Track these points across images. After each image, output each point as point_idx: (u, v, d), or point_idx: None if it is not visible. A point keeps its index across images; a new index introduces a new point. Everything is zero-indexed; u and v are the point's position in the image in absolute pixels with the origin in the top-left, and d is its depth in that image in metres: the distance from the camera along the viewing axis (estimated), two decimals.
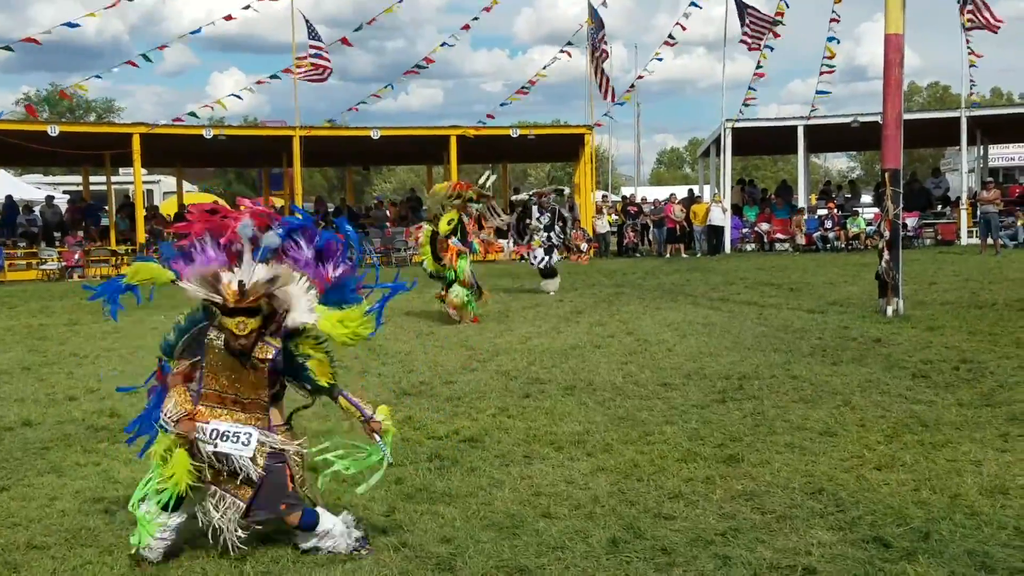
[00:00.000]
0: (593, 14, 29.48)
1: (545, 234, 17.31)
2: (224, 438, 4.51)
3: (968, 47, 28.64)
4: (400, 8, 28.61)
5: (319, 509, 4.70)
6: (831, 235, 28.34)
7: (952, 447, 6.15)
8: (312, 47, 27.33)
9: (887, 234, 12.66)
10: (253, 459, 4.54)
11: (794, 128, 30.18)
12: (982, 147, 33.60)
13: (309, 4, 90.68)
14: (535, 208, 17.89)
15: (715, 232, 28.72)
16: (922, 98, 72.11)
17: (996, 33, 27.95)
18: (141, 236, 27.05)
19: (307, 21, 27.56)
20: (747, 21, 28.64)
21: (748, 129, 30.35)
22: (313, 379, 4.64)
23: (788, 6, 29.22)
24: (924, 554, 4.40)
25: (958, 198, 29.60)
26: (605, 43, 29.76)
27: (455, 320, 13.36)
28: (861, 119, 28.48)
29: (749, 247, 30.13)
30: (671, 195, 31.73)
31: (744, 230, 30.53)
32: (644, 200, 33.63)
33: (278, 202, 36.64)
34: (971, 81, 29.64)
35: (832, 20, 28.77)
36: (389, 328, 12.62)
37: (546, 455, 6.30)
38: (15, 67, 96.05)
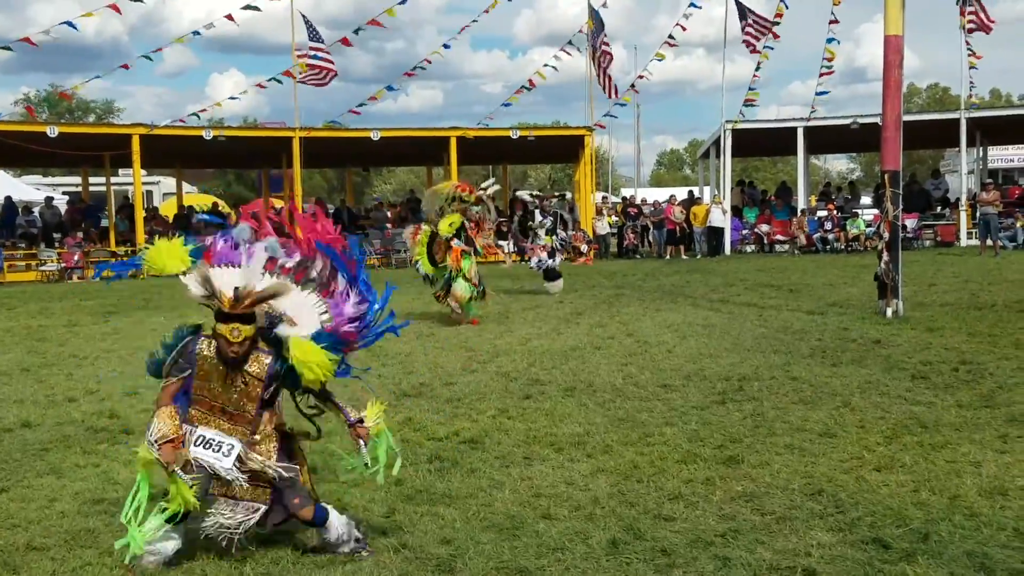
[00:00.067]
0: (594, 15, 29.48)
1: (547, 237, 17.31)
2: (207, 445, 4.50)
3: (968, 48, 28.66)
4: (400, 9, 28.49)
5: (327, 505, 4.71)
6: (831, 236, 28.35)
7: (951, 448, 6.15)
8: (313, 48, 27.26)
9: (886, 235, 12.67)
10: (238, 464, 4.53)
11: (794, 129, 30.19)
12: (981, 148, 33.61)
13: (309, 4, 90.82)
14: (537, 212, 17.91)
15: (715, 233, 28.73)
16: (921, 99, 72.15)
17: (989, 33, 28.00)
18: (141, 237, 27.02)
19: (307, 22, 27.52)
20: (749, 20, 28.66)
21: (748, 130, 30.35)
22: (303, 382, 4.58)
23: (787, 7, 29.28)
24: (923, 555, 4.40)
25: (957, 199, 29.61)
26: (607, 44, 29.75)
27: (456, 314, 13.33)
28: (861, 120, 28.49)
29: (749, 248, 30.13)
30: (671, 196, 31.73)
31: (744, 231, 30.53)
32: (644, 201, 33.63)
33: (278, 203, 36.75)
34: (971, 83, 29.66)
35: (832, 22, 28.83)
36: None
37: (546, 456, 6.30)
38: (14, 68, 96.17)
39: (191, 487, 4.43)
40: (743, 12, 28.80)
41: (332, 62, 27.67)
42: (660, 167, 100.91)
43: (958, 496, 5.20)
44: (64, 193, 36.51)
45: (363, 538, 4.70)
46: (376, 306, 4.71)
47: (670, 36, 30.43)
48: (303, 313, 4.56)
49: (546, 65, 31.16)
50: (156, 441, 4.45)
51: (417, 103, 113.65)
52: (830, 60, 29.13)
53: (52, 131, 25.78)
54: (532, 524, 4.98)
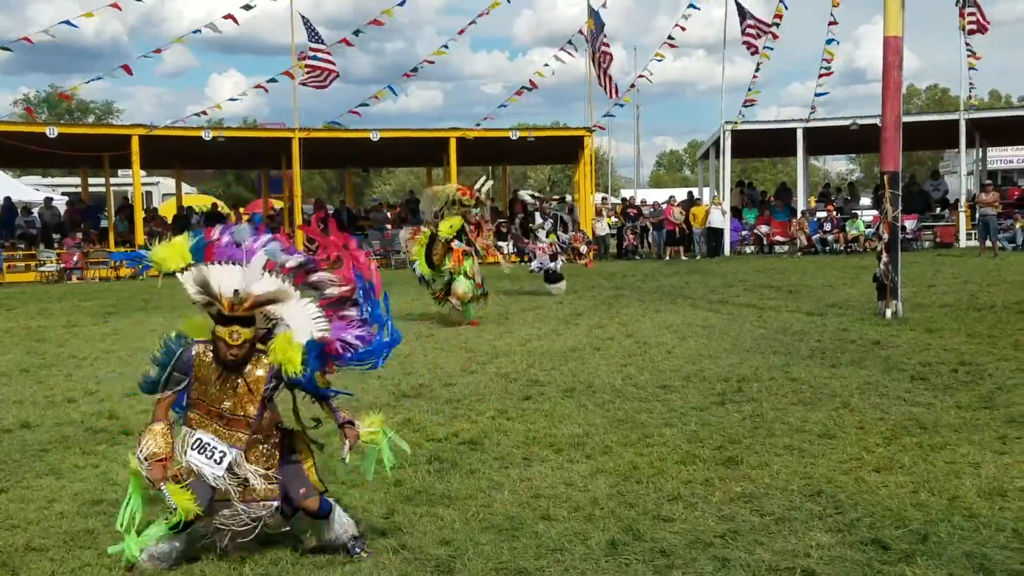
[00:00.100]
0: (595, 16, 29.46)
1: (548, 242, 17.29)
2: (203, 450, 4.49)
3: (968, 49, 28.67)
4: (400, 10, 28.49)
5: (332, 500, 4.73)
6: (830, 238, 28.36)
7: (951, 449, 6.15)
8: (313, 49, 27.19)
9: (886, 236, 12.67)
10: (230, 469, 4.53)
11: (793, 130, 30.21)
12: (981, 150, 33.62)
13: (309, 5, 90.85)
14: (537, 213, 17.91)
15: (714, 234, 28.74)
16: (921, 100, 72.20)
17: (985, 33, 28.04)
18: (140, 238, 27.02)
19: (307, 23, 27.45)
20: (749, 21, 28.67)
21: (747, 131, 30.37)
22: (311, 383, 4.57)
23: (786, 7, 29.30)
24: (922, 556, 4.40)
25: (957, 200, 29.64)
26: (607, 45, 29.76)
27: (457, 311, 13.30)
28: (860, 121, 28.51)
29: (748, 249, 30.15)
30: (670, 197, 31.75)
31: (743, 232, 30.55)
32: (643, 202, 33.67)
33: (277, 204, 36.73)
34: (970, 84, 29.68)
35: (831, 23, 28.85)
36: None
37: (545, 457, 6.30)
38: (14, 68, 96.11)
39: (191, 494, 4.43)
40: (743, 13, 28.82)
41: (333, 63, 27.60)
42: (660, 168, 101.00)
43: (957, 497, 5.20)
44: (63, 194, 36.50)
45: (361, 536, 4.70)
46: (380, 351, 4.67)
47: (669, 37, 30.46)
48: (300, 321, 4.55)
49: (546, 65, 31.19)
50: (145, 459, 4.45)
51: (417, 104, 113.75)
52: (829, 61, 29.17)
53: (51, 132, 25.79)
54: (531, 525, 4.98)
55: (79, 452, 6.76)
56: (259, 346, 4.56)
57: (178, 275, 4.59)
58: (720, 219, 28.70)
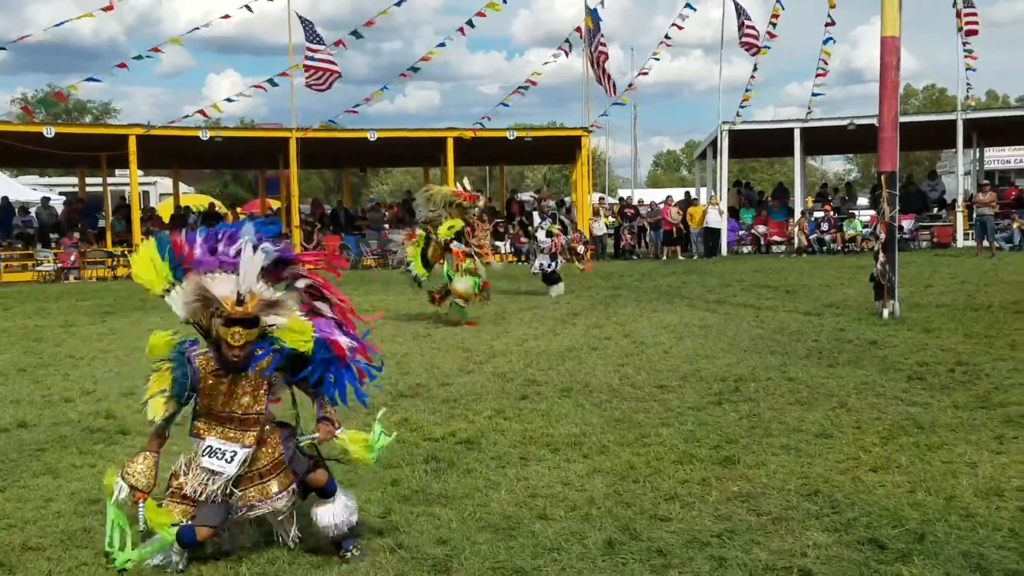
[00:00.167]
0: (592, 15, 29.46)
1: (548, 240, 17.26)
2: (212, 455, 4.49)
3: (965, 49, 28.71)
4: (397, 10, 28.46)
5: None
6: (827, 237, 28.38)
7: (947, 449, 6.16)
8: (311, 50, 27.08)
9: (883, 236, 12.68)
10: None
11: (790, 130, 30.21)
12: (978, 150, 33.66)
13: (307, 5, 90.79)
14: (535, 213, 17.89)
15: (712, 234, 28.75)
16: (918, 100, 72.28)
17: (977, 35, 28.17)
18: (137, 238, 27.01)
19: (306, 23, 27.34)
20: (746, 22, 28.70)
21: (745, 132, 30.39)
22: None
23: (783, 7, 29.33)
24: (919, 556, 4.40)
25: (954, 201, 29.68)
26: (604, 44, 29.77)
27: (459, 307, 13.24)
28: (857, 121, 28.53)
29: (745, 249, 30.17)
30: (668, 197, 31.77)
31: (741, 232, 30.57)
32: (641, 202, 33.67)
33: (275, 204, 36.71)
34: (967, 84, 29.72)
35: (827, 24, 28.88)
36: (386, 330, 12.63)
37: (542, 457, 6.30)
38: (12, 68, 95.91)
39: (169, 513, 4.48)
40: (741, 13, 28.82)
41: (334, 63, 27.48)
42: (657, 168, 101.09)
43: (954, 497, 5.21)
44: (61, 194, 36.47)
45: (357, 535, 4.68)
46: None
47: (666, 36, 30.46)
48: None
49: (545, 63, 31.22)
50: (128, 484, 4.44)
51: (414, 104, 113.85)
52: (826, 62, 29.23)
53: (49, 131, 25.77)
54: (528, 524, 4.98)
55: (76, 451, 6.76)
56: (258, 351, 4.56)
57: (166, 299, 4.55)
58: (717, 219, 28.71)
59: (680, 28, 30.03)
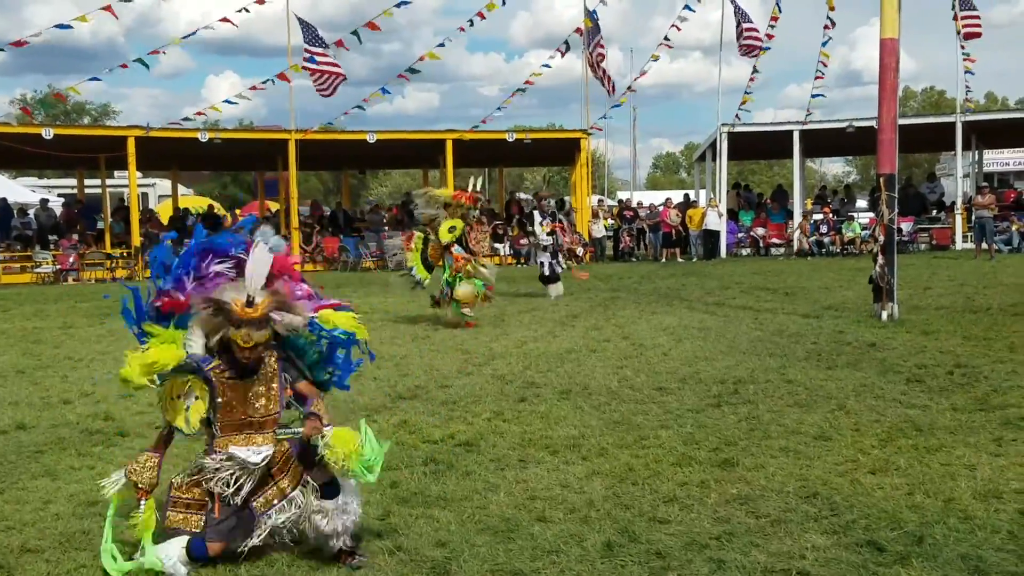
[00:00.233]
0: (591, 15, 29.48)
1: (550, 239, 17.25)
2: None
3: (963, 52, 28.75)
4: (396, 12, 28.43)
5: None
6: (826, 240, 28.39)
7: (946, 451, 6.16)
8: (315, 53, 26.97)
9: (882, 239, 12.68)
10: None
11: (790, 133, 30.22)
12: (977, 152, 33.68)
13: (306, 6, 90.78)
14: (536, 213, 17.86)
15: (711, 236, 28.75)
16: (917, 103, 72.31)
17: (980, 36, 28.21)
18: (136, 239, 27.03)
19: (306, 26, 27.27)
20: (746, 25, 28.72)
21: (744, 134, 30.41)
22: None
23: (781, 11, 29.36)
24: (918, 558, 4.40)
25: (953, 203, 29.69)
26: (602, 45, 29.81)
27: (470, 316, 13.19)
28: (856, 124, 28.55)
29: (745, 252, 30.19)
30: (667, 199, 31.79)
31: (740, 235, 30.59)
32: (640, 204, 33.68)
33: (274, 206, 36.71)
34: (966, 86, 29.74)
35: (826, 27, 28.92)
36: (385, 332, 12.63)
37: (541, 459, 6.30)
38: (12, 70, 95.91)
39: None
40: (741, 15, 28.84)
41: (338, 65, 27.38)
42: (656, 170, 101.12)
43: (953, 499, 5.21)
44: (59, 195, 36.48)
45: (358, 539, 4.68)
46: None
47: (665, 38, 30.50)
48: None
49: (544, 65, 31.21)
50: (131, 482, 4.46)
51: (413, 105, 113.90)
52: (826, 65, 29.29)
53: (47, 133, 25.78)
54: (527, 527, 4.98)
55: (75, 453, 6.75)
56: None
57: (187, 349, 4.50)
58: (716, 221, 28.72)
59: (679, 29, 30.11)
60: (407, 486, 5.72)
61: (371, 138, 28.60)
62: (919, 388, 8.15)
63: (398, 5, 28.07)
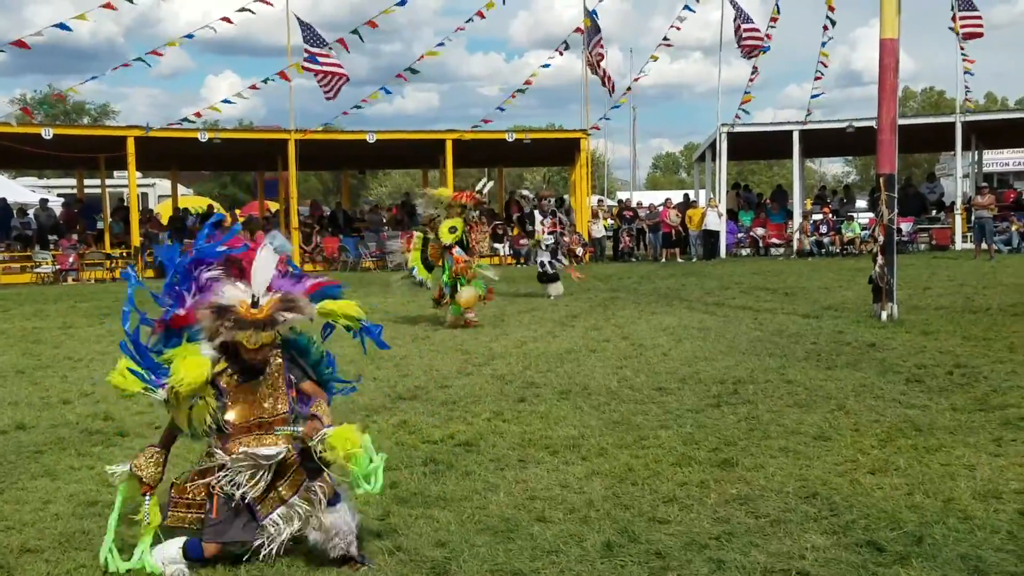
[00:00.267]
0: (591, 15, 29.46)
1: (551, 238, 17.24)
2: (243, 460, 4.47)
3: (962, 52, 28.75)
4: (396, 12, 28.42)
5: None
6: (826, 240, 28.40)
7: (946, 451, 6.16)
8: (318, 55, 26.92)
9: (881, 239, 12.69)
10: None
11: (789, 133, 30.21)
12: (977, 152, 33.68)
13: (306, 6, 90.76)
14: (536, 212, 17.85)
15: (710, 237, 28.76)
16: (917, 103, 72.34)
17: (982, 36, 28.22)
18: (136, 239, 27.04)
19: (306, 28, 27.23)
20: (746, 25, 28.71)
21: (744, 134, 30.41)
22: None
23: (780, 12, 29.36)
24: (917, 558, 4.40)
25: (952, 203, 29.70)
26: (602, 46, 29.81)
27: (475, 323, 13.15)
28: (856, 124, 28.55)
29: (744, 252, 30.19)
30: (667, 200, 31.80)
31: (739, 235, 30.59)
32: (640, 204, 33.68)
33: (274, 206, 36.71)
34: (966, 86, 29.74)
35: (825, 28, 28.92)
36: (385, 332, 12.59)
37: (541, 459, 6.30)
38: (12, 70, 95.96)
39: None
40: (741, 15, 28.84)
41: (340, 65, 27.32)
42: (656, 170, 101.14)
43: (952, 499, 5.21)
44: (59, 195, 36.47)
45: (361, 542, 4.67)
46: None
47: (665, 38, 30.50)
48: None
49: (543, 66, 31.21)
50: (135, 475, 4.46)
51: (413, 105, 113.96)
52: (826, 65, 29.30)
53: (47, 133, 25.77)
54: (527, 527, 4.98)
55: (74, 453, 6.75)
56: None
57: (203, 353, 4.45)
58: (716, 221, 28.73)
59: (678, 29, 30.10)
60: (407, 486, 5.72)
61: (371, 138, 28.59)
62: (919, 388, 8.15)
63: (399, 3, 28.01)
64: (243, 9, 27.23)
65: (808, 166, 49.53)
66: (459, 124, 31.78)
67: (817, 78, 30.09)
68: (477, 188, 13.96)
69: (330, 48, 27.11)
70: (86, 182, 34.04)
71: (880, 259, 12.52)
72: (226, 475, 4.47)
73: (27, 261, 26.95)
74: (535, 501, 5.40)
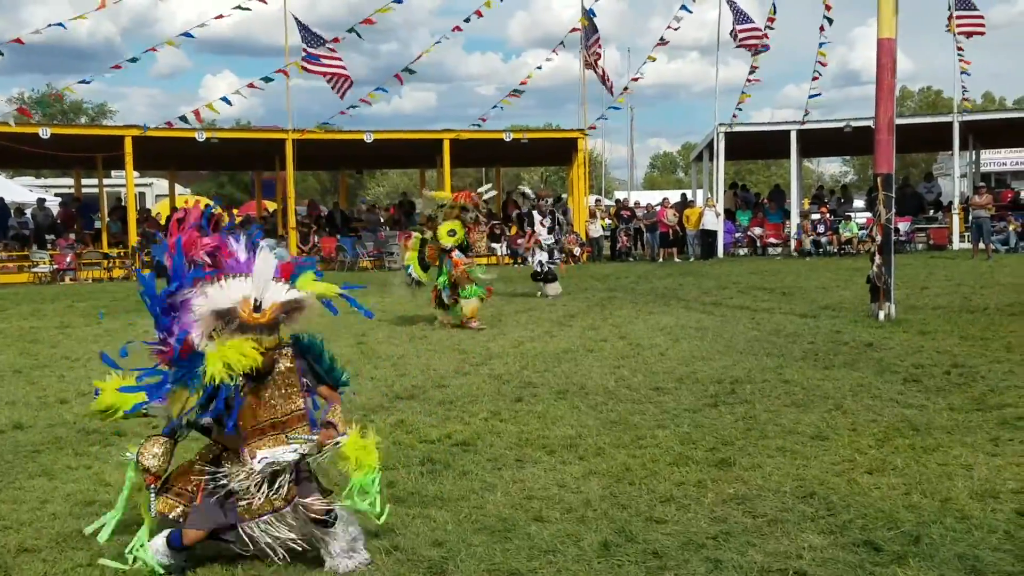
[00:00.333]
0: (588, 15, 29.46)
1: (551, 238, 17.22)
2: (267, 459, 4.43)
3: (959, 53, 28.77)
4: (394, 9, 28.32)
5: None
6: (823, 240, 28.41)
7: (943, 451, 6.16)
8: (314, 53, 26.86)
9: (879, 238, 12.69)
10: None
11: (787, 132, 30.23)
12: (974, 152, 33.71)
13: (304, 6, 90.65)
14: (535, 212, 17.84)
15: (708, 236, 28.78)
16: (914, 103, 72.42)
17: (983, 35, 28.25)
18: (133, 239, 27.01)
19: (304, 29, 27.18)
20: (744, 25, 28.73)
21: (741, 133, 30.42)
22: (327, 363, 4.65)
23: (776, 12, 29.37)
24: (915, 558, 4.41)
25: (950, 203, 29.72)
26: (599, 45, 29.82)
27: (481, 328, 13.07)
28: (854, 124, 28.59)
29: (742, 251, 30.21)
30: (664, 199, 31.81)
31: (737, 234, 30.61)
32: (637, 204, 33.69)
33: (271, 206, 36.69)
34: (963, 86, 29.77)
35: (822, 28, 28.94)
36: (382, 332, 12.63)
37: (538, 459, 6.30)
38: (9, 69, 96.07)
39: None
40: (739, 15, 28.85)
41: (343, 67, 27.23)
42: (653, 170, 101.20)
43: (949, 499, 5.21)
44: (57, 195, 36.43)
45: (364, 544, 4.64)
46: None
47: (661, 38, 30.50)
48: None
49: (539, 68, 31.23)
50: (141, 464, 4.46)
51: (411, 105, 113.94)
52: (824, 65, 29.31)
53: (45, 133, 25.76)
54: (524, 526, 4.98)
55: (72, 453, 6.75)
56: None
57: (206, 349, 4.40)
58: (714, 221, 28.75)
59: (675, 29, 30.09)
60: (404, 486, 5.72)
61: (368, 138, 28.57)
62: (916, 388, 8.15)
63: (397, 1, 27.95)
64: (238, 6, 27.17)
65: (806, 166, 49.59)
66: (457, 124, 31.74)
67: (815, 78, 30.13)
68: (479, 191, 13.93)
69: (331, 48, 27.07)
70: (83, 181, 34.00)
71: (878, 259, 12.52)
72: (248, 481, 4.41)
73: (24, 261, 26.92)
74: (532, 501, 5.40)
